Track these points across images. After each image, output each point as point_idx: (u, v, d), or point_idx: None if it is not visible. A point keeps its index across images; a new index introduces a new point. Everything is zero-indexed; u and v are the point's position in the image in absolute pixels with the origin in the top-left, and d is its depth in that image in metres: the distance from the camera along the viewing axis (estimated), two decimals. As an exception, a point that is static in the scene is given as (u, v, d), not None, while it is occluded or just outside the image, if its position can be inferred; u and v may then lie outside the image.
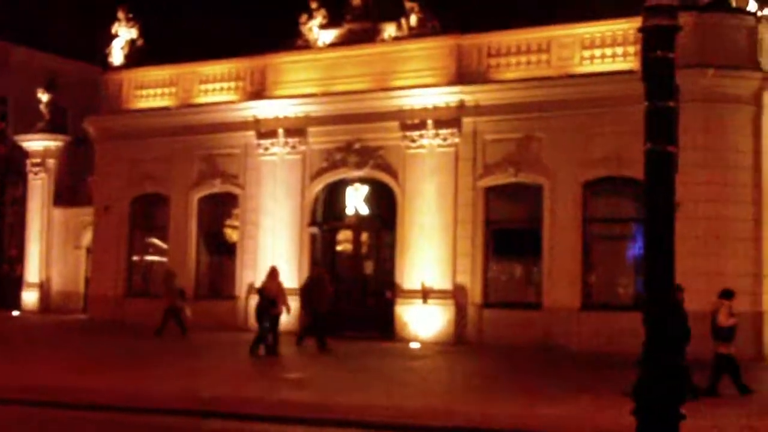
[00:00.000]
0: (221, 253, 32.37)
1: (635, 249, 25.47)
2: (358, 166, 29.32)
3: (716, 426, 13.73)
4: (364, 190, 29.67)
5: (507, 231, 27.83)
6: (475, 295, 27.32)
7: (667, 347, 6.86)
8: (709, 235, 24.32)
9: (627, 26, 25.12)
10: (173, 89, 33.19)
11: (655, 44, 7.29)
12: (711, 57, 24.66)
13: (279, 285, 24.60)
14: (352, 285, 29.74)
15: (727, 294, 18.24)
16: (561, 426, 13.92)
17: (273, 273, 24.63)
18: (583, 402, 16.07)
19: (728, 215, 24.65)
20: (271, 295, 23.97)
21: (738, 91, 24.99)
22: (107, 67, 34.42)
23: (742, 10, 25.72)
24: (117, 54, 34.20)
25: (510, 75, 27.51)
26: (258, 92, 31.15)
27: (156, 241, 33.90)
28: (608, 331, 24.06)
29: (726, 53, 24.91)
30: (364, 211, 29.74)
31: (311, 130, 30.01)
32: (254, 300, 28.26)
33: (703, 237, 24.16)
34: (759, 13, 25.79)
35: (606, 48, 26.30)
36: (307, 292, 25.52)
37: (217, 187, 31.94)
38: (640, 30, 7.30)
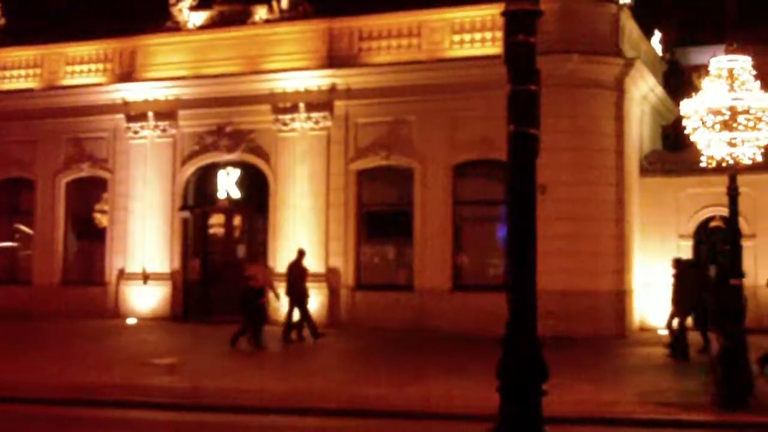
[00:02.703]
0: (90, 238, 31.65)
1: (504, 231, 25.91)
2: (230, 149, 29.07)
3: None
4: (236, 173, 29.44)
5: (379, 214, 28.05)
6: (348, 277, 27.46)
7: (529, 326, 7.03)
8: (575, 216, 24.98)
9: (496, 11, 25.33)
10: (38, 70, 32.23)
11: (517, 28, 7.38)
12: (575, 43, 25.30)
13: (265, 272, 23.63)
14: (225, 269, 29.48)
15: None
16: (429, 405, 14.15)
17: (258, 258, 23.80)
18: (451, 381, 16.36)
19: (592, 197, 25.37)
20: (257, 284, 22.67)
21: (601, 76, 25.69)
22: (-33, 47, 33.24)
23: (605, -2, 26.42)
24: (-23, 34, 33.07)
25: (381, 59, 27.66)
26: (127, 74, 30.53)
27: (22, 227, 32.94)
28: (478, 312, 24.47)
29: (590, 39, 25.59)
30: (237, 194, 29.52)
31: (182, 113, 29.60)
32: (128, 285, 27.83)
33: (569, 218, 24.80)
34: (621, 1, 26.54)
35: (476, 33, 26.68)
36: (289, 278, 24.00)
37: (85, 171, 31.22)
38: (503, 14, 7.39)
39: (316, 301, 27.17)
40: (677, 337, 20.45)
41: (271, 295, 23.32)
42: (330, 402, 14.44)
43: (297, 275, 23.81)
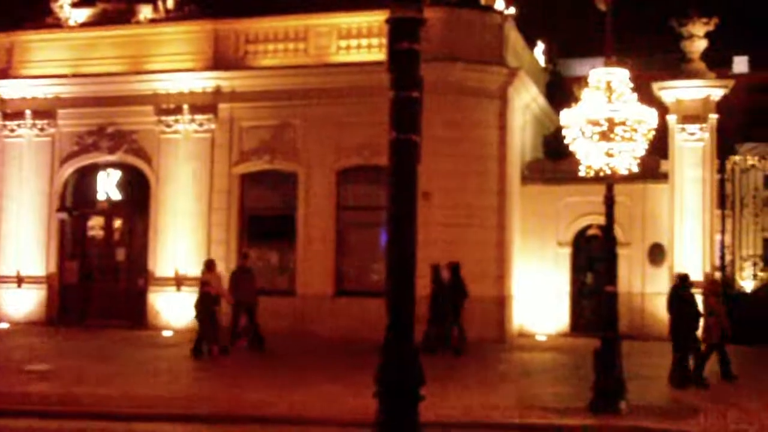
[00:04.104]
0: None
1: (386, 236, 26.02)
2: (111, 150, 28.50)
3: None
4: (116, 175, 28.90)
5: (262, 218, 27.85)
6: (230, 282, 27.13)
7: (408, 332, 7.06)
8: (457, 223, 25.24)
9: (382, 18, 25.30)
10: None
11: (401, 36, 7.44)
12: (460, 52, 25.61)
13: (219, 277, 22.72)
14: (104, 272, 28.92)
15: None
16: (308, 410, 14.09)
17: (212, 265, 22.66)
18: (332, 387, 16.32)
19: (475, 203, 25.68)
20: (213, 290, 21.93)
21: (485, 85, 26.04)
22: None
23: (490, 8, 26.85)
24: None
25: (267, 62, 27.50)
26: (3, 71, 29.61)
27: None
28: (360, 318, 24.49)
29: (474, 49, 25.92)
30: (117, 196, 28.99)
31: (61, 112, 28.89)
32: (1, 289, 26.94)
33: (452, 225, 25.05)
34: (505, 12, 26.99)
35: (362, 39, 26.75)
36: (233, 283, 22.93)
37: (-43, 169, 30.20)
38: (387, 21, 7.45)
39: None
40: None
41: (223, 301, 22.75)
42: (205, 408, 14.26)
43: (240, 281, 22.90)
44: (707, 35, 27.22)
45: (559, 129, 16.22)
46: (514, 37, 27.92)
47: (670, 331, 18.23)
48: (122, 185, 28.92)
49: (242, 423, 13.55)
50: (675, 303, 18.21)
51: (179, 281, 27.22)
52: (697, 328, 18.13)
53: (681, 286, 18.77)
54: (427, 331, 21.99)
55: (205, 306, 21.73)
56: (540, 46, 33.76)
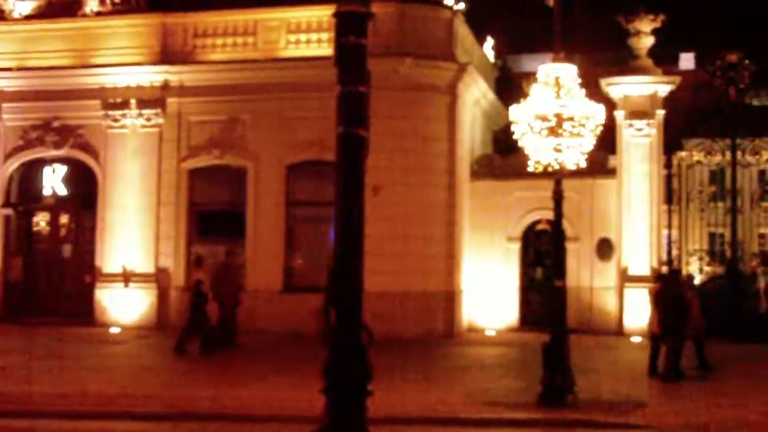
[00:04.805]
0: None
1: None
2: (57, 145, 28.11)
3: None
4: (62, 170, 28.54)
5: (211, 213, 27.66)
6: (178, 278, 26.97)
7: (355, 327, 7.03)
8: (407, 218, 25.25)
9: (331, 12, 25.46)
10: None
11: (349, 30, 7.40)
12: (410, 47, 25.59)
13: (205, 275, 22.20)
14: (50, 269, 28.56)
15: None
16: (255, 406, 14.02)
17: (202, 262, 22.37)
18: (280, 383, 16.27)
19: (424, 199, 25.70)
20: (205, 287, 21.47)
21: (435, 80, 26.06)
22: None
23: (439, 3, 26.84)
24: None
25: (216, 56, 27.30)
26: (-55, 64, 29.13)
27: None
28: (310, 313, 24.30)
29: (424, 44, 25.92)
30: (63, 192, 28.62)
31: (5, 106, 28.43)
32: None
33: (402, 220, 25.06)
34: (455, 7, 27.02)
35: (312, 33, 26.63)
36: (214, 282, 22.14)
37: None
38: (334, 15, 7.41)
39: (145, 301, 26.69)
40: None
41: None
42: (154, 405, 14.14)
43: (224, 278, 22.42)
44: (654, 32, 27.48)
45: (508, 124, 16.29)
46: (463, 32, 27.98)
47: (659, 327, 18.26)
48: (68, 180, 28.57)
49: (190, 420, 13.44)
50: (662, 299, 18.33)
51: (127, 277, 26.94)
52: (687, 323, 18.30)
53: (670, 282, 18.99)
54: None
55: (201, 304, 21.35)
56: (489, 42, 33.87)
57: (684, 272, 25.14)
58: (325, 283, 22.59)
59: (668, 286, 18.62)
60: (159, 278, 26.91)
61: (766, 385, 17.30)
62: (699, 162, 28.18)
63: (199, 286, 21.58)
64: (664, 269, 24.86)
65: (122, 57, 27.60)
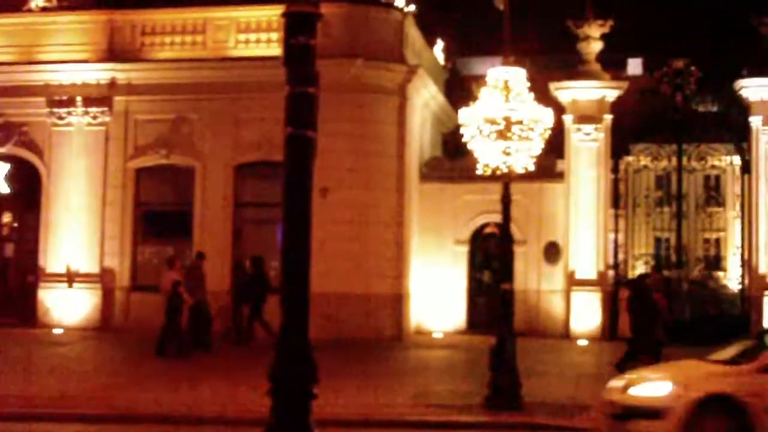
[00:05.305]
0: None
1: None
2: (0, 142, 27.67)
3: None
4: (5, 168, 28.06)
5: (158, 213, 27.44)
6: (124, 278, 26.69)
7: (302, 329, 6.97)
8: (355, 220, 25.21)
9: (281, 12, 25.35)
10: None
11: (297, 30, 7.33)
12: (360, 48, 25.56)
13: (179, 275, 21.86)
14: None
15: None
16: (202, 409, 13.87)
17: (175, 262, 21.95)
18: (226, 385, 16.12)
19: (373, 201, 25.67)
20: (182, 288, 21.16)
21: (384, 82, 26.05)
22: None
23: (390, 5, 26.85)
24: None
25: (164, 55, 27.05)
26: None
27: None
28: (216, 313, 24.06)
29: (374, 46, 25.90)
30: (6, 190, 28.15)
31: (-52, 102, 27.96)
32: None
33: (350, 222, 25.01)
34: (405, 9, 27.04)
35: (261, 33, 26.51)
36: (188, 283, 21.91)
37: None
38: (283, 15, 7.34)
39: (90, 302, 26.37)
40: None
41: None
42: (95, 408, 13.93)
43: (194, 280, 22.21)
44: (603, 37, 27.71)
45: (457, 127, 16.26)
46: (413, 34, 28.00)
47: (631, 330, 18.43)
48: (12, 178, 28.11)
49: (132, 422, 13.27)
50: (636, 303, 18.49)
51: (71, 278, 26.58)
52: (659, 326, 18.49)
53: (641, 286, 19.17)
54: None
55: (178, 306, 21.10)
56: (439, 45, 33.95)
57: (631, 275, 25.39)
58: (230, 285, 22.78)
59: (639, 292, 18.83)
60: (104, 278, 26.60)
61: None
62: (645, 167, 28.46)
63: (176, 287, 21.32)
64: (631, 274, 25.09)
65: (68, 54, 27.24)
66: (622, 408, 11.68)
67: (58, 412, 13.69)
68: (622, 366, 18.30)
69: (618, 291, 26.12)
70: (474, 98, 15.29)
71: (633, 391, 11.78)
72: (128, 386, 16.13)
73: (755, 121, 27.01)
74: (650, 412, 11.38)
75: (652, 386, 11.82)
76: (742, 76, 27.16)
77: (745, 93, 27.04)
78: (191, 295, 21.60)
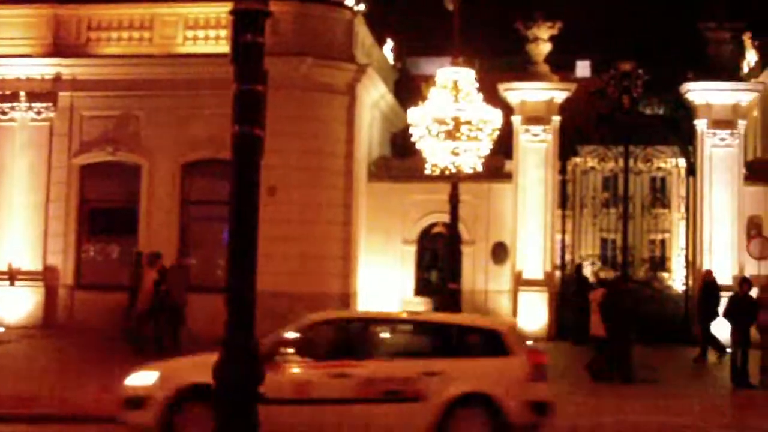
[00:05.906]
0: None
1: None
2: (-60, 138, 27.19)
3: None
4: (-55, 163, 27.58)
5: (103, 211, 27.09)
6: (67, 276, 26.34)
7: (248, 327, 6.94)
8: (304, 219, 25.13)
9: (229, 9, 25.16)
10: None
11: (246, 28, 7.34)
12: (310, 47, 25.47)
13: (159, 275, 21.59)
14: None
15: None
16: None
17: (156, 261, 21.62)
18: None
19: (321, 200, 25.61)
20: (163, 288, 21.09)
21: (334, 81, 25.98)
22: None
23: (340, 4, 26.79)
24: None
25: (110, 50, 26.73)
26: None
27: None
28: (209, 313, 23.91)
29: (324, 44, 25.83)
30: (-54, 186, 27.66)
31: None
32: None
33: (298, 221, 24.92)
34: (355, 8, 26.99)
35: (210, 30, 26.32)
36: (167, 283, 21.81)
37: None
38: (231, 13, 7.33)
39: (32, 300, 25.99)
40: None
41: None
42: (37, 407, 13.72)
43: (176, 279, 22.00)
44: (552, 39, 27.86)
45: (406, 127, 16.32)
46: (363, 33, 27.97)
47: (606, 330, 18.58)
48: (-48, 174, 27.62)
49: (75, 422, 13.11)
50: (610, 304, 18.64)
51: (13, 275, 26.13)
52: (634, 327, 18.74)
53: (616, 288, 19.35)
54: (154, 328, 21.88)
55: (160, 306, 21.09)
56: (389, 44, 33.95)
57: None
58: (130, 283, 22.58)
59: (613, 294, 19.02)
60: (47, 277, 26.22)
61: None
62: (593, 168, 28.65)
63: (158, 286, 21.17)
64: (604, 275, 25.34)
65: (12, 48, 26.80)
66: (123, 398, 11.69)
67: (7, 412, 13.46)
68: (593, 366, 18.51)
69: (589, 292, 26.23)
70: (423, 98, 15.34)
71: (128, 381, 11.78)
72: (71, 386, 15.89)
73: (700, 124, 27.37)
74: (136, 401, 11.43)
75: (141, 376, 11.76)
76: (688, 80, 27.51)
77: (690, 96, 27.39)
78: (171, 295, 21.43)
